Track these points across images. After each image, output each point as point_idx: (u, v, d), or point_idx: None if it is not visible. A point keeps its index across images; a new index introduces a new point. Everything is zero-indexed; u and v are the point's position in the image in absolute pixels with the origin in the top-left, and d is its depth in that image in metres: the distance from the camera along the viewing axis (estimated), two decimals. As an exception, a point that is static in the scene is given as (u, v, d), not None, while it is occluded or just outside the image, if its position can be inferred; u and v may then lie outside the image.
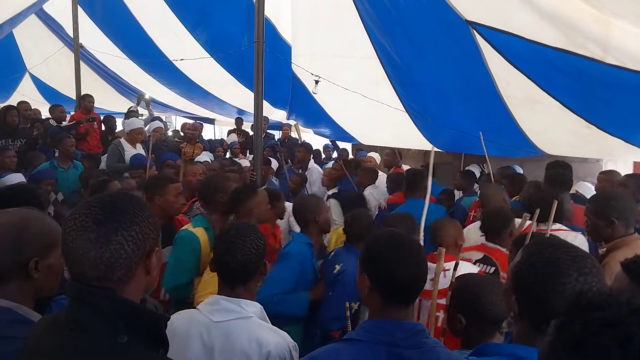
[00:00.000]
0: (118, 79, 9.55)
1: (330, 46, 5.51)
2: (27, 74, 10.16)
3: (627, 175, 4.47)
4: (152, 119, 8.39)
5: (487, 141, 5.25)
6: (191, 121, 10.04)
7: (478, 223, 3.64)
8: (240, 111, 9.27)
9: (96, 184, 3.55)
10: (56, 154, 5.64)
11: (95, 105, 7.40)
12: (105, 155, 6.17)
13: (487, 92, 4.61)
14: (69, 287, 1.03)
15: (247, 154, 8.39)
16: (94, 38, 7.97)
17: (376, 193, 5.31)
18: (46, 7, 7.61)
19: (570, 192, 4.30)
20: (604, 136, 4.40)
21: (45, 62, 9.32)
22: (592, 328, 0.67)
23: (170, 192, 3.02)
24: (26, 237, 1.34)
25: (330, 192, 5.26)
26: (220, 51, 6.94)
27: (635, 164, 6.72)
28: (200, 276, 2.67)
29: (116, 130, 8.08)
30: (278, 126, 9.54)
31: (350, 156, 8.55)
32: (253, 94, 4.28)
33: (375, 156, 7.49)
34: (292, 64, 6.00)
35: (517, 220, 3.11)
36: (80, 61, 7.64)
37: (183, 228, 2.87)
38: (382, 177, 5.94)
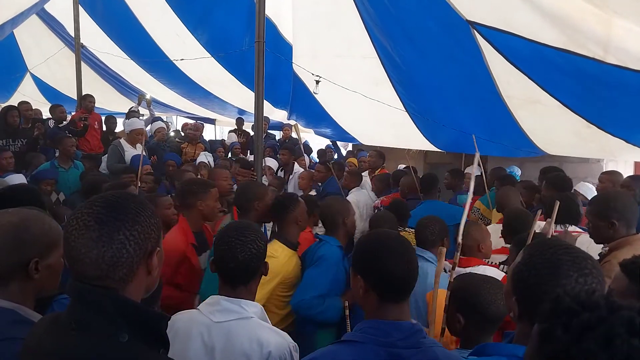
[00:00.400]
0: (119, 79, 9.54)
1: (331, 46, 5.51)
2: (28, 74, 10.15)
3: (630, 177, 4.47)
4: (153, 119, 8.41)
5: (488, 141, 5.25)
6: (192, 121, 10.04)
7: (494, 226, 3.66)
8: (241, 111, 9.26)
9: (112, 188, 3.55)
10: (56, 154, 5.66)
11: (96, 105, 7.41)
12: (106, 155, 6.19)
13: (488, 92, 4.60)
14: (70, 286, 1.03)
15: (248, 154, 8.39)
16: (95, 38, 7.96)
17: (360, 195, 5.32)
18: (47, 7, 7.60)
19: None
20: (605, 136, 4.40)
21: (46, 62, 9.31)
22: (573, 333, 0.66)
23: (212, 197, 2.94)
24: (26, 238, 1.34)
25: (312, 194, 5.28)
26: (221, 51, 6.93)
27: (636, 164, 6.73)
28: None
29: (116, 131, 8.10)
30: (279, 126, 9.53)
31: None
32: (254, 94, 4.29)
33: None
34: (292, 64, 6.00)
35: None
36: (81, 61, 7.64)
37: None
38: (366, 178, 6.01)
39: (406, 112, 5.73)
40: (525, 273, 1.22)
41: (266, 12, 4.32)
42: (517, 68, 4.14)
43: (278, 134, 9.91)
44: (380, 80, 5.44)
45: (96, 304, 1.00)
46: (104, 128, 7.81)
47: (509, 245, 2.91)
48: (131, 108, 8.68)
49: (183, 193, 3.01)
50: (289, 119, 7.71)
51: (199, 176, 5.13)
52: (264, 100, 4.27)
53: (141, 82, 9.20)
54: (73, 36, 7.47)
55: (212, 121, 11.51)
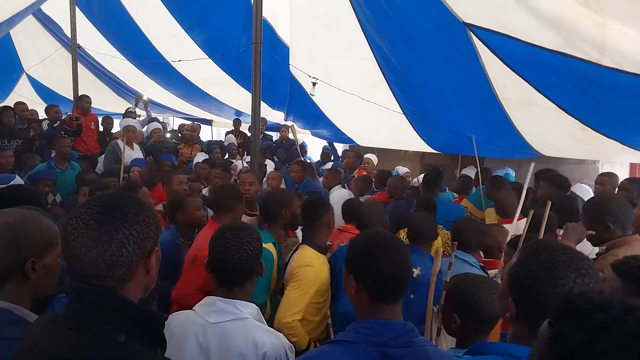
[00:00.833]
0: (115, 79, 9.53)
1: (328, 48, 5.52)
2: (24, 74, 10.13)
3: (627, 179, 4.47)
4: (150, 120, 8.39)
5: (484, 143, 5.27)
6: (189, 122, 10.03)
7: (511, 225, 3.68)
8: (238, 112, 9.26)
9: (126, 188, 3.60)
10: (52, 155, 5.64)
11: (93, 106, 7.40)
12: (102, 156, 6.18)
13: (484, 94, 4.62)
14: (68, 286, 1.03)
15: (245, 155, 8.38)
16: (91, 39, 7.96)
17: (343, 193, 5.34)
18: (44, 7, 7.59)
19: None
20: (600, 138, 4.42)
21: (43, 62, 9.30)
22: (588, 333, 0.66)
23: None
24: (23, 238, 1.34)
25: None
26: (218, 52, 6.94)
27: (632, 165, 6.75)
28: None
29: (113, 131, 8.08)
30: (276, 127, 9.53)
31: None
32: (251, 95, 4.29)
33: (373, 157, 7.52)
34: (289, 66, 6.01)
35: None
36: (78, 62, 7.62)
37: None
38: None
39: (403, 114, 5.75)
40: (521, 274, 1.22)
41: (263, 14, 4.32)
42: (513, 70, 4.16)
43: (275, 135, 9.91)
44: (377, 81, 5.45)
45: (94, 303, 1.00)
46: (101, 129, 7.79)
47: None
48: (128, 109, 8.67)
49: (222, 198, 3.03)
50: (285, 120, 7.72)
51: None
52: (261, 101, 4.27)
53: (138, 83, 9.19)
54: (69, 37, 7.45)
55: (209, 122, 11.51)
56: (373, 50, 5.17)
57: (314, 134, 8.02)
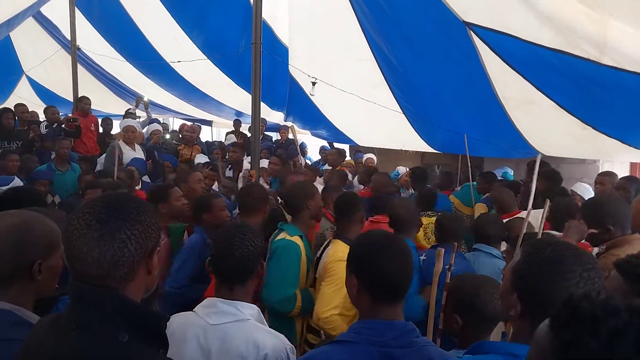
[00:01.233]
0: (115, 81, 9.53)
1: (327, 48, 5.52)
2: (24, 76, 10.14)
3: (624, 178, 4.45)
4: (150, 121, 8.39)
5: (484, 142, 5.27)
6: (189, 123, 10.03)
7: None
8: (238, 113, 9.26)
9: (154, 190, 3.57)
10: (52, 157, 5.64)
11: (93, 107, 7.41)
12: (102, 157, 6.18)
13: (484, 94, 4.61)
14: (70, 287, 1.03)
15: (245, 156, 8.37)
16: (91, 40, 7.96)
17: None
18: (43, 9, 7.58)
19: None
20: (600, 137, 4.41)
21: (42, 64, 9.31)
22: (603, 340, 0.65)
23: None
24: (29, 239, 1.34)
25: None
26: (217, 53, 6.94)
27: (632, 164, 6.75)
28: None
29: (113, 133, 8.08)
30: (276, 128, 9.54)
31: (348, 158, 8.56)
32: (251, 95, 4.28)
33: (373, 157, 7.53)
34: (289, 66, 6.00)
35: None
36: (77, 63, 7.63)
37: (281, 238, 2.72)
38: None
39: (403, 114, 5.74)
40: (526, 271, 1.22)
41: (262, 15, 4.32)
42: (513, 69, 4.15)
43: (275, 136, 9.90)
44: (377, 82, 5.44)
45: (96, 304, 1.00)
46: (100, 130, 7.80)
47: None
48: (128, 110, 8.66)
49: (248, 198, 3.05)
50: (285, 121, 7.72)
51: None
52: (261, 102, 4.27)
53: (137, 84, 9.19)
54: (69, 38, 7.47)
55: (209, 123, 11.51)
56: (373, 51, 5.16)
57: (313, 134, 8.03)
